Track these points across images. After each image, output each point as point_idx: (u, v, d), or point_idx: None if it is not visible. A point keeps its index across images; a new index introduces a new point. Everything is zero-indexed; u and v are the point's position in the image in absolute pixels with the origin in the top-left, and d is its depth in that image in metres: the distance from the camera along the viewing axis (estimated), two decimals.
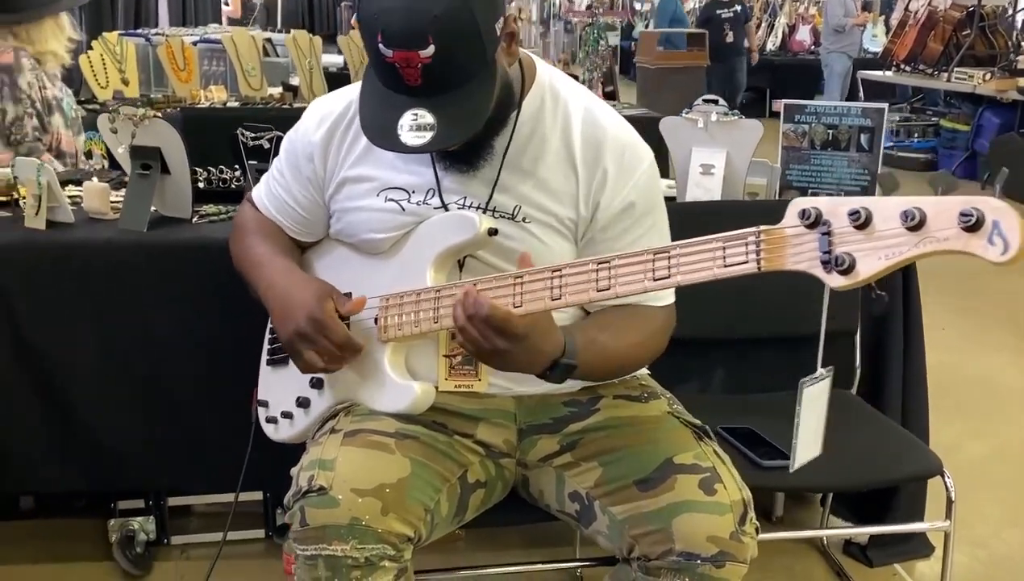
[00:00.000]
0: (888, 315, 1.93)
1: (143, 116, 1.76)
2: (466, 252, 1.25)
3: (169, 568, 1.98)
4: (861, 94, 8.62)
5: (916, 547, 2.02)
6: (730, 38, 8.66)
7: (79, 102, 3.81)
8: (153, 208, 1.92)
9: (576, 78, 1.78)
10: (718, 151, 1.92)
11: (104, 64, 4.09)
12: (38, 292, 1.79)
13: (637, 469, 1.25)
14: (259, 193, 1.46)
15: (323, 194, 1.35)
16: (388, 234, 1.29)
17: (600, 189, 1.27)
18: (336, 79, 4.63)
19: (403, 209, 1.28)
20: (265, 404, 1.48)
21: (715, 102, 1.90)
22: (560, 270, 1.08)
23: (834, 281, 0.88)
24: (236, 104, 4.00)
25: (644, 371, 1.45)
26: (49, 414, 1.85)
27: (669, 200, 2.14)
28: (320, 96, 1.40)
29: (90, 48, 4.09)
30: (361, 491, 1.14)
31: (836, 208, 0.88)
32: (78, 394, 1.84)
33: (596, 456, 1.30)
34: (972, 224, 0.80)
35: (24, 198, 1.82)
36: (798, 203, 0.91)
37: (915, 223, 0.83)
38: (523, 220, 1.27)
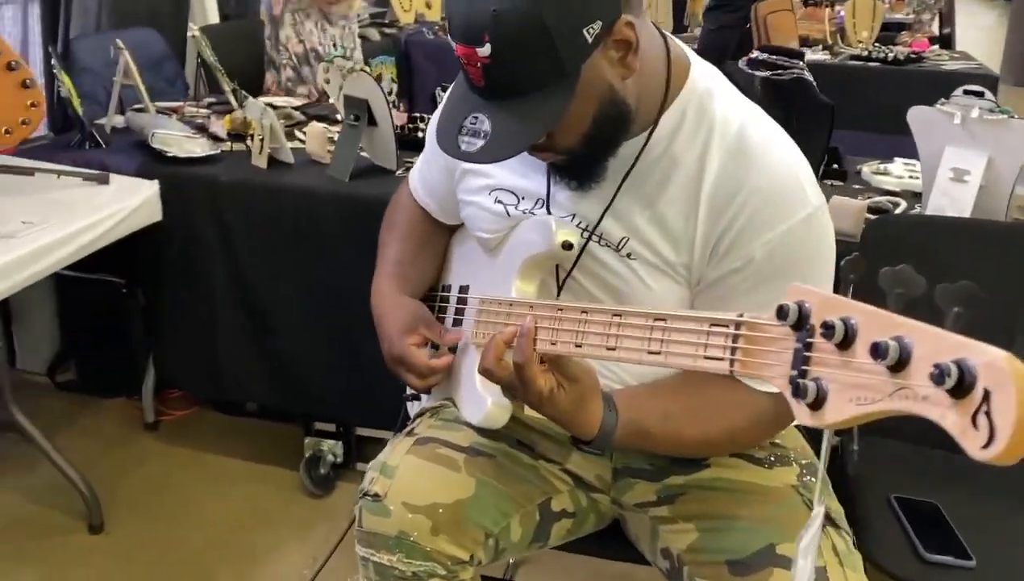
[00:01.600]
0: None
1: (351, 69, 1.81)
2: (549, 264, 1.14)
3: (349, 491, 2.13)
4: None
5: None
6: None
7: (384, 25, 4.07)
8: (367, 155, 2.00)
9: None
10: (977, 154, 1.56)
11: None
12: (254, 225, 1.96)
13: (734, 547, 1.08)
14: (413, 172, 1.43)
15: (453, 180, 1.29)
16: (493, 235, 1.21)
17: (721, 237, 1.05)
18: None
19: (508, 214, 1.19)
20: None
21: (980, 95, 1.52)
22: (614, 318, 0.93)
23: (801, 414, 0.65)
24: None
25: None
26: (259, 337, 2.04)
27: (916, 195, 1.82)
28: None
29: None
30: (413, 507, 1.11)
31: (827, 308, 0.64)
32: (282, 323, 2.01)
33: (695, 518, 1.14)
34: (953, 386, 0.53)
35: (254, 137, 1.98)
36: (790, 292, 0.68)
37: (892, 362, 0.57)
38: (628, 255, 1.10)
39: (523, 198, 1.18)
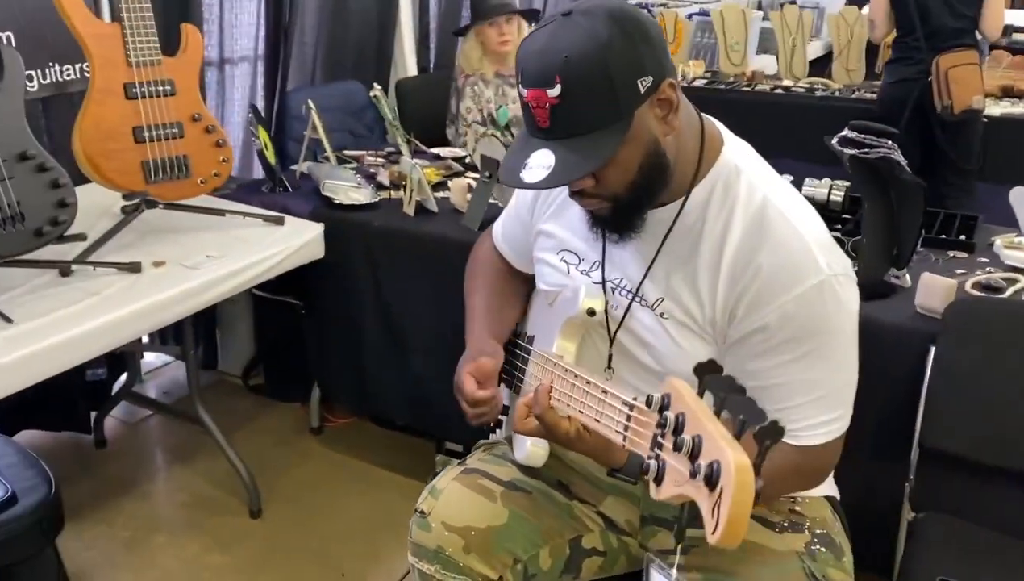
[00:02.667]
0: None
1: (483, 134, 2.04)
2: (583, 328, 1.28)
3: None
4: None
5: None
6: None
7: None
8: (500, 204, 2.22)
9: None
10: None
11: None
12: (398, 265, 2.24)
13: None
14: (496, 226, 1.62)
15: (530, 238, 1.46)
16: (552, 288, 1.37)
17: (738, 301, 1.15)
18: (816, 65, 4.40)
19: (568, 271, 1.35)
20: None
21: None
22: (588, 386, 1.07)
23: (651, 488, 0.78)
24: (701, 82, 4.08)
25: (814, 494, 1.31)
26: (399, 362, 2.32)
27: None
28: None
29: None
30: (450, 526, 1.30)
31: (678, 402, 0.76)
32: (419, 352, 2.27)
33: (703, 569, 1.24)
34: (704, 481, 0.67)
35: (406, 189, 2.26)
36: (666, 383, 0.80)
37: (687, 454, 0.69)
38: (661, 315, 1.23)
39: (583, 259, 1.34)
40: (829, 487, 1.36)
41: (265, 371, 2.86)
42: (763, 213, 1.16)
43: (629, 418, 0.89)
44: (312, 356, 2.57)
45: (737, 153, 1.22)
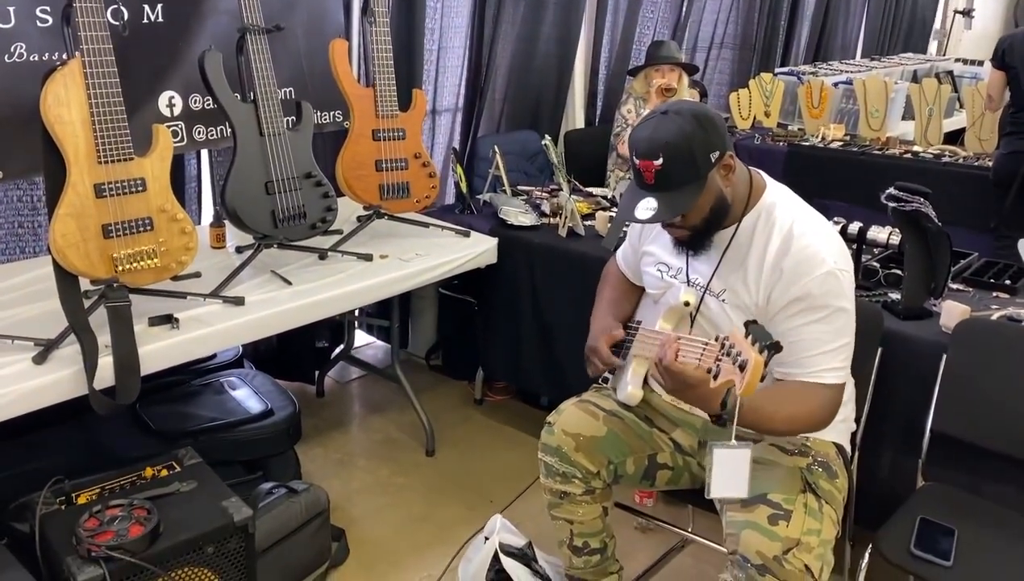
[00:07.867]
0: None
1: (621, 178, 2.69)
2: (681, 312, 1.89)
3: None
4: None
5: None
6: None
7: None
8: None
9: None
10: None
11: (750, 100, 5.06)
12: (551, 273, 2.92)
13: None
14: (619, 251, 2.26)
15: (638, 257, 2.10)
16: (655, 291, 2.00)
17: (775, 283, 1.74)
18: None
19: (663, 278, 1.97)
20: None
21: None
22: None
23: (711, 382, 1.51)
24: (838, 144, 4.54)
25: (824, 437, 1.85)
26: (546, 348, 3.00)
27: None
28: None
29: (745, 87, 5.09)
30: (566, 431, 1.95)
31: (732, 336, 1.48)
32: (562, 341, 2.94)
33: None
34: (739, 365, 1.35)
35: (561, 216, 2.95)
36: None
37: (733, 357, 1.39)
38: (723, 300, 1.83)
39: (671, 267, 1.97)
40: (840, 436, 1.90)
41: (443, 354, 3.62)
42: (793, 228, 1.76)
43: (704, 350, 1.54)
44: (480, 342, 3.29)
45: (774, 193, 1.83)
